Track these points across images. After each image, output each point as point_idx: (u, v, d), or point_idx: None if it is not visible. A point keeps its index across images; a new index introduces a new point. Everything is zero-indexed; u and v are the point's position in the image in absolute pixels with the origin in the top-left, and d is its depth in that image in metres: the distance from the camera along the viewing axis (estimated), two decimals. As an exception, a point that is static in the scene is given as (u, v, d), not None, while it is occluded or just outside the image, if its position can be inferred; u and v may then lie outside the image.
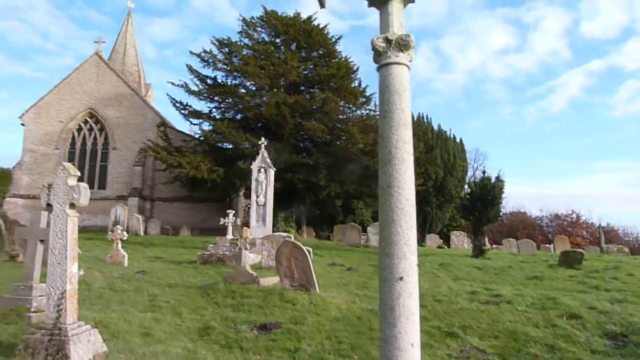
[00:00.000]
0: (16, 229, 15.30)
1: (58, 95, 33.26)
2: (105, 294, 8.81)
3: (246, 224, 22.97)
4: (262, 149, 16.70)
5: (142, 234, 23.01)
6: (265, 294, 8.34)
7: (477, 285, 10.48)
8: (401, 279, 2.26)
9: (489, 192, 15.61)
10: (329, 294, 8.81)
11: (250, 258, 9.85)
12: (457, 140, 35.09)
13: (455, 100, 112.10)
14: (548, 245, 30.79)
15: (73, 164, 31.96)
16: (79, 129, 33.29)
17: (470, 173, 38.97)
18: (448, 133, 35.02)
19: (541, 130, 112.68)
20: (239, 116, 26.34)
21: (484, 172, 16.49)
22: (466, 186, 25.65)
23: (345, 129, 22.52)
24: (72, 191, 5.08)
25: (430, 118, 36.54)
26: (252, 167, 16.66)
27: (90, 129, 33.31)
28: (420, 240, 34.23)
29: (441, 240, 30.73)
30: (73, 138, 33.17)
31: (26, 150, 32.71)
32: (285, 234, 11.85)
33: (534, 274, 12.68)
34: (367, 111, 25.57)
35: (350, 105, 24.83)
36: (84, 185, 5.18)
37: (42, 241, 6.82)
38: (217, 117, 25.49)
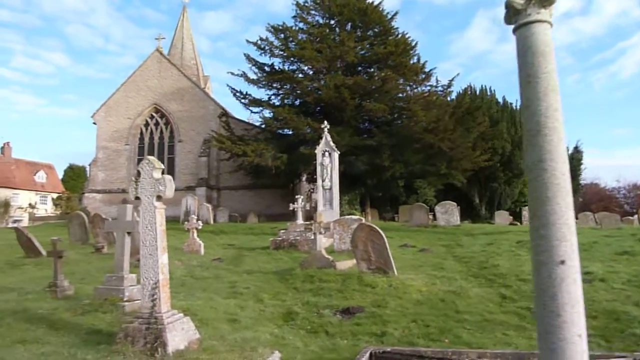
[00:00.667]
0: (105, 222, 16.19)
1: (125, 94, 34.77)
2: (187, 282, 9.09)
3: (310, 209, 23.13)
4: (325, 133, 16.63)
5: (211, 222, 23.74)
6: (344, 278, 8.28)
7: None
8: (562, 262, 2.03)
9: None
10: (407, 276, 8.62)
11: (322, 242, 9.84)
12: (525, 111, 33.32)
13: (515, 71, 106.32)
14: (631, 218, 28.79)
15: (142, 159, 33.77)
16: (146, 124, 34.71)
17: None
18: (514, 105, 33.38)
19: (611, 97, 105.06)
20: (298, 101, 26.39)
21: (575, 148, 15.46)
22: None
23: (407, 107, 21.96)
24: (158, 184, 5.18)
25: (494, 90, 34.96)
26: (316, 151, 16.64)
27: (157, 124, 34.63)
28: (489, 218, 33.10)
29: (511, 217, 29.52)
30: (141, 133, 34.65)
31: (99, 147, 34.57)
32: (356, 217, 11.74)
33: (623, 249, 11.80)
34: (428, 87, 24.82)
35: (411, 83, 24.15)
36: (168, 177, 5.27)
37: (129, 233, 7.08)
38: (277, 103, 25.69)
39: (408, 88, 24.62)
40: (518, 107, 33.77)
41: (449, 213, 20.74)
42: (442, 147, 21.58)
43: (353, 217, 11.86)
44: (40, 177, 64.04)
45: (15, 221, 50.69)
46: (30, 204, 55.80)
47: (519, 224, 24.41)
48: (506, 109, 32.62)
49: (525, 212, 26.86)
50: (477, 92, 33.10)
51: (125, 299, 6.73)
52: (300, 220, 13.39)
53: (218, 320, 6.42)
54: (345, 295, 7.55)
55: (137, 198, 5.28)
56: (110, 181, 34.03)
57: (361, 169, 22.35)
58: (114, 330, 5.79)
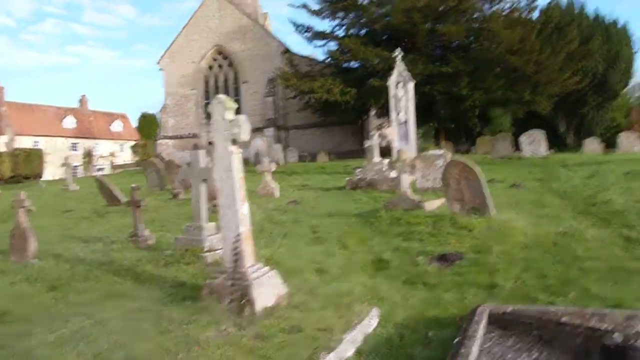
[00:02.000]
0: (179, 170, 16.36)
1: (187, 37, 34.58)
2: (266, 227, 8.76)
3: (382, 146, 22.17)
4: (398, 61, 15.42)
5: (282, 162, 23.59)
6: (434, 220, 7.55)
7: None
8: None
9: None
10: (507, 216, 7.74)
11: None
12: (620, 25, 29.51)
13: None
14: None
15: (208, 103, 33.96)
16: (210, 67, 34.60)
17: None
18: (607, 18, 29.60)
19: None
20: (364, 31, 24.83)
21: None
22: None
23: (487, 27, 19.86)
24: (232, 126, 4.60)
25: (583, 2, 31.12)
26: (388, 83, 15.55)
27: (220, 66, 34.42)
28: (577, 147, 30.52)
29: (602, 145, 26.95)
30: (206, 77, 34.65)
31: (168, 94, 35.09)
32: (439, 152, 10.81)
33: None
34: (510, 4, 22.21)
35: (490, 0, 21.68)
36: (243, 118, 4.66)
37: (204, 180, 6.69)
38: (342, 35, 24.27)
39: (486, 6, 22.21)
40: (612, 20, 30.01)
41: (535, 143, 19.09)
42: (527, 70, 19.54)
43: (436, 152, 10.93)
44: (117, 126, 67.44)
45: (99, 169, 54.16)
46: (110, 153, 59.09)
47: (615, 151, 22.12)
48: (598, 24, 28.97)
49: (622, 139, 24.33)
50: (563, 7, 29.54)
51: (205, 249, 6.45)
52: (376, 158, 12.62)
53: (304, 270, 5.98)
54: (439, 240, 6.85)
55: (210, 143, 4.74)
56: (181, 127, 34.71)
57: (437, 99, 20.88)
58: (197, 282, 5.52)
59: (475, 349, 3.11)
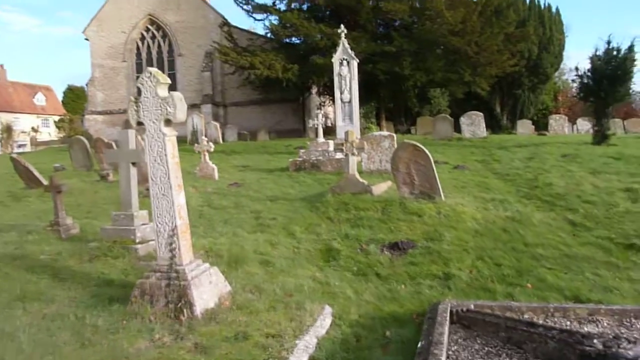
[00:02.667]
0: (105, 152, 15.05)
1: (115, 4, 32.24)
2: (205, 213, 8.20)
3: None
4: (342, 39, 15.00)
5: (220, 141, 22.66)
6: (384, 205, 7.30)
7: (625, 179, 8.84)
8: None
9: (617, 66, 13.09)
10: (455, 200, 7.63)
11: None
12: (553, 10, 30.64)
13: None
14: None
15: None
16: (142, 38, 32.54)
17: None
18: (543, 2, 30.58)
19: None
20: (306, 6, 24.09)
21: (608, 43, 13.74)
22: (584, 63, 21.62)
23: (430, 7, 19.79)
24: (165, 104, 4.01)
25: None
26: (332, 60, 15.10)
27: (153, 37, 32.45)
28: (511, 128, 31.71)
29: (533, 127, 28.14)
30: (138, 48, 32.60)
31: (95, 65, 32.73)
32: (386, 133, 10.57)
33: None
34: None
35: None
36: (177, 95, 4.08)
37: (134, 164, 6.02)
38: (283, 9, 23.39)
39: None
40: (546, 4, 31.06)
41: (475, 124, 19.44)
42: (468, 51, 19.72)
43: (383, 133, 10.69)
44: (40, 99, 62.32)
45: (20, 146, 50.00)
46: (32, 128, 54.65)
47: (547, 133, 23.09)
48: (533, 8, 29.90)
49: (553, 121, 25.45)
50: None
51: (137, 241, 5.83)
52: (321, 138, 12.25)
53: (248, 261, 5.54)
54: (390, 227, 6.60)
55: (140, 123, 4.13)
56: (110, 101, 32.59)
57: (379, 79, 20.69)
58: (128, 280, 4.94)
59: (443, 358, 2.81)
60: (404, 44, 19.97)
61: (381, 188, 8.46)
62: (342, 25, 14.94)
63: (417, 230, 6.43)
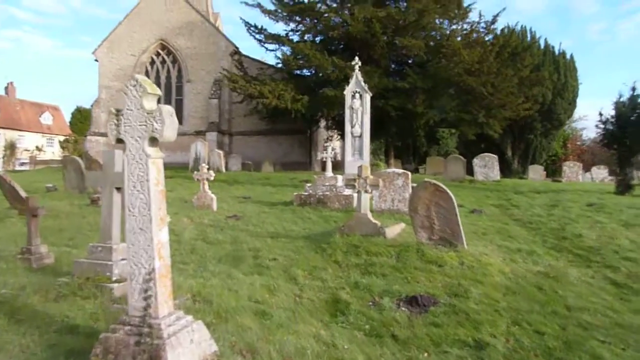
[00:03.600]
0: (86, 174, 14.45)
1: (128, 28, 32.34)
2: (198, 248, 7.42)
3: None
4: (357, 71, 14.51)
5: (224, 170, 22.04)
6: (399, 251, 6.51)
7: (665, 234, 8.03)
8: None
9: (645, 113, 12.50)
10: (478, 249, 6.85)
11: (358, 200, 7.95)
12: (568, 57, 30.43)
13: (539, 18, 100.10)
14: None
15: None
16: (152, 62, 32.47)
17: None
18: (556, 49, 30.42)
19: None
20: (319, 38, 23.87)
21: (633, 89, 13.20)
22: (608, 109, 20.76)
23: (447, 44, 19.44)
24: (151, 119, 3.31)
25: (534, 31, 31.84)
26: (345, 92, 14.57)
27: (163, 62, 32.38)
28: (522, 172, 31.01)
29: (544, 173, 27.46)
30: (146, 72, 32.43)
31: (102, 87, 32.55)
32: (400, 171, 9.86)
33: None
34: (468, 24, 21.99)
35: (450, 18, 21.31)
36: (167, 109, 3.38)
37: (118, 189, 5.29)
38: (296, 40, 23.16)
39: (446, 24, 21.93)
40: (561, 50, 30.88)
41: (488, 167, 18.78)
42: (483, 91, 19.24)
43: (397, 170, 9.98)
44: (46, 118, 62.41)
45: (22, 164, 49.65)
46: (36, 147, 54.46)
47: (562, 180, 22.35)
48: (548, 53, 29.73)
49: (567, 169, 24.78)
50: (517, 31, 30.02)
51: (114, 279, 5.04)
52: (329, 173, 11.54)
53: (240, 311, 4.72)
54: (406, 276, 5.79)
55: (120, 141, 3.43)
56: (115, 123, 32.18)
57: (391, 115, 20.16)
58: (96, 327, 4.14)
59: None
60: (417, 80, 19.52)
61: (395, 230, 7.68)
62: (356, 57, 14.46)
63: (438, 282, 5.62)
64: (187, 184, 17.32)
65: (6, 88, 59.49)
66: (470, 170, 20.57)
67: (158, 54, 32.40)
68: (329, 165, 11.59)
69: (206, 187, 11.00)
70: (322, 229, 8.66)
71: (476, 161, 18.74)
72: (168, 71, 32.35)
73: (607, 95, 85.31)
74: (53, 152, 56.42)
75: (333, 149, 12.52)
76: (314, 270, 6.22)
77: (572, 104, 30.57)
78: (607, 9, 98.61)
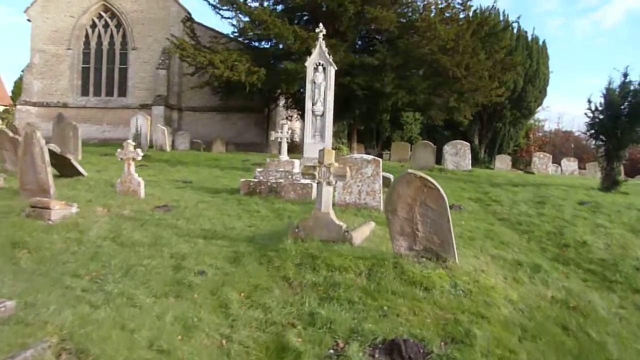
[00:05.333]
0: (12, 144, 12.28)
1: (67, -16, 29.15)
2: (103, 252, 5.63)
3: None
4: (320, 40, 12.75)
5: (168, 149, 19.90)
6: (370, 265, 4.95)
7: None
8: None
9: (638, 102, 11.42)
10: (471, 263, 5.38)
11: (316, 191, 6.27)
12: (540, 43, 29.60)
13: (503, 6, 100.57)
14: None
15: (87, 67, 28.37)
16: (93, 25, 29.45)
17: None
18: (529, 34, 29.52)
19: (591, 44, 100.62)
20: (281, 7, 21.84)
21: (625, 76, 12.09)
22: (597, 98, 19.85)
23: (422, 18, 17.92)
24: None
25: (507, 14, 30.84)
26: (306, 64, 12.81)
27: (106, 26, 29.43)
28: (488, 162, 30.22)
29: (510, 163, 26.73)
30: (87, 36, 29.46)
31: (35, 50, 29.32)
32: (369, 157, 8.26)
33: None
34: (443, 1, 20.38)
35: None
36: None
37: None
38: (255, 6, 21.04)
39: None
40: (534, 35, 29.98)
41: (460, 155, 17.56)
42: (458, 73, 17.88)
43: (366, 156, 8.37)
44: None
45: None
46: None
47: (534, 172, 21.52)
48: (521, 38, 28.76)
49: (537, 160, 24.03)
50: (487, 14, 28.86)
51: None
52: (284, 156, 9.84)
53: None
54: (382, 306, 4.24)
55: None
56: (49, 92, 29.20)
57: (357, 94, 18.55)
58: None
59: None
60: (387, 57, 17.93)
61: (364, 233, 6.10)
62: (321, 25, 12.70)
63: (426, 316, 4.08)
64: (115, 164, 15.20)
65: None
66: (438, 159, 19.39)
67: (100, 17, 29.39)
68: (284, 148, 9.88)
69: (132, 168, 9.07)
70: (272, 227, 6.98)
71: (447, 148, 17.46)
72: (111, 36, 29.44)
73: (568, 90, 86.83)
74: (-8, 123, 51.91)
75: (290, 129, 10.85)
76: (255, 291, 4.58)
77: (543, 92, 29.84)
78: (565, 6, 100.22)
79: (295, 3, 19.90)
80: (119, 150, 9.31)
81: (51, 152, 10.79)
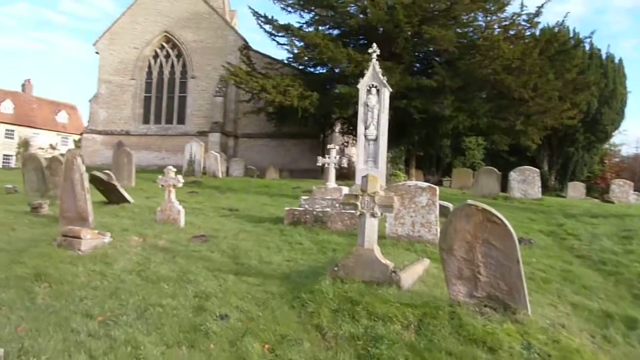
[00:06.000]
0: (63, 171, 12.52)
1: (132, 18, 30.65)
2: (125, 288, 5.17)
3: (344, 168, 18.91)
4: (373, 60, 12.18)
5: (220, 175, 19.82)
6: (421, 315, 4.14)
7: None
8: None
9: None
10: (547, 314, 4.43)
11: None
12: (616, 61, 27.59)
13: (605, 9, 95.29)
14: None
15: (149, 96, 29.25)
16: (155, 56, 30.67)
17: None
18: (603, 52, 27.63)
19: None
20: (336, 31, 21.59)
21: None
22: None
23: (482, 37, 16.95)
24: None
25: (578, 31, 29.13)
26: (359, 86, 12.24)
27: (167, 56, 30.54)
28: (559, 190, 28.16)
29: (584, 191, 24.64)
30: (149, 66, 30.70)
31: (102, 81, 30.82)
32: (424, 184, 7.45)
33: None
34: (507, 17, 19.27)
35: (488, 6, 18.60)
36: None
37: None
38: (308, 31, 20.89)
39: (480, 17, 19.36)
40: (608, 53, 28.05)
41: (528, 182, 16.16)
42: (524, 94, 16.67)
43: (421, 183, 7.57)
44: (62, 117, 62.78)
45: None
46: (50, 145, 53.71)
47: (614, 201, 19.59)
48: (594, 57, 26.93)
49: (616, 187, 21.96)
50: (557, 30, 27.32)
51: None
52: (332, 183, 9.20)
53: None
54: (434, 370, 3.40)
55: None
56: (113, 121, 30.45)
57: (414, 118, 17.72)
58: None
59: None
60: (446, 79, 17.05)
61: (415, 272, 5.29)
62: (374, 45, 12.11)
63: (492, 389, 3.21)
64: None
65: (23, 85, 59.63)
66: (503, 186, 18.10)
67: (162, 47, 30.58)
68: (332, 174, 9.25)
69: (172, 196, 8.73)
70: (312, 262, 6.30)
71: (513, 175, 16.14)
72: (172, 66, 30.51)
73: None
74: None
75: (342, 154, 10.21)
76: (281, 343, 3.89)
77: (620, 115, 27.68)
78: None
79: (350, 27, 19.54)
80: (159, 177, 9.02)
81: (98, 179, 10.77)
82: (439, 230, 7.20)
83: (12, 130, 54.09)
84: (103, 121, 30.64)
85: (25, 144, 52.86)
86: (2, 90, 55.78)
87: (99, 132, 30.42)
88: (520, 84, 16.75)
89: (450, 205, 9.47)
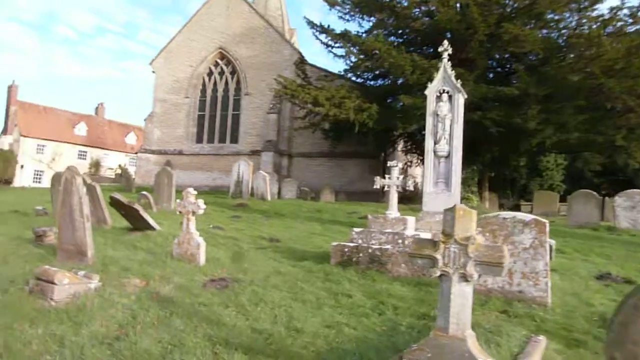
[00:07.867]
0: (91, 190, 11.47)
1: (187, 36, 30.35)
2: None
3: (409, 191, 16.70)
4: (445, 61, 10.14)
5: (269, 197, 18.22)
6: None
7: None
8: None
9: None
10: None
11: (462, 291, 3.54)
12: None
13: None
14: None
15: (202, 114, 28.65)
16: (210, 73, 30.08)
17: None
18: None
19: None
20: (398, 40, 19.70)
21: None
22: None
23: (579, 34, 14.45)
24: None
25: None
26: (426, 92, 10.23)
27: (221, 73, 29.87)
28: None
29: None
30: (203, 84, 30.16)
31: (157, 100, 30.57)
32: (528, 217, 5.33)
33: None
34: (603, 12, 16.59)
35: (577, 5, 16.00)
36: None
37: None
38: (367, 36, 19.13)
39: (567, 14, 16.77)
40: None
41: (638, 209, 13.40)
42: (629, 102, 13.96)
43: (525, 215, 5.43)
44: (131, 138, 66.65)
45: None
46: (120, 165, 56.01)
47: None
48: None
49: None
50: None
51: None
52: (393, 211, 7.22)
53: None
54: None
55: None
56: (166, 140, 29.98)
57: (490, 132, 15.38)
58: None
59: None
60: (530, 86, 14.63)
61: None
62: (445, 42, 10.10)
63: None
64: (217, 214, 13.66)
65: (96, 109, 63.47)
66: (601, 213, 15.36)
67: (216, 64, 29.96)
68: (394, 200, 7.28)
69: (191, 226, 7.05)
70: (364, 331, 4.34)
71: (619, 200, 13.40)
72: (226, 83, 29.77)
73: None
74: (135, 170, 58.73)
75: (406, 175, 8.24)
76: None
77: None
78: None
79: (414, 31, 17.60)
80: (178, 201, 7.40)
81: (119, 202, 9.43)
82: (549, 283, 5.05)
83: (85, 152, 57.47)
84: (157, 140, 30.28)
85: (96, 165, 55.93)
86: (78, 114, 60.06)
87: (153, 152, 30.04)
88: (623, 90, 14.05)
89: (553, 242, 7.21)
